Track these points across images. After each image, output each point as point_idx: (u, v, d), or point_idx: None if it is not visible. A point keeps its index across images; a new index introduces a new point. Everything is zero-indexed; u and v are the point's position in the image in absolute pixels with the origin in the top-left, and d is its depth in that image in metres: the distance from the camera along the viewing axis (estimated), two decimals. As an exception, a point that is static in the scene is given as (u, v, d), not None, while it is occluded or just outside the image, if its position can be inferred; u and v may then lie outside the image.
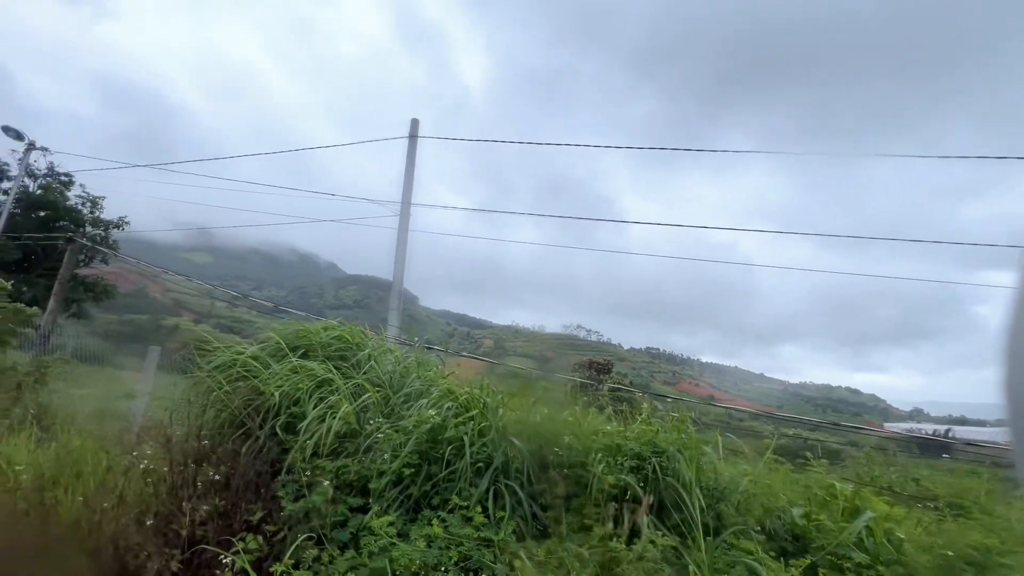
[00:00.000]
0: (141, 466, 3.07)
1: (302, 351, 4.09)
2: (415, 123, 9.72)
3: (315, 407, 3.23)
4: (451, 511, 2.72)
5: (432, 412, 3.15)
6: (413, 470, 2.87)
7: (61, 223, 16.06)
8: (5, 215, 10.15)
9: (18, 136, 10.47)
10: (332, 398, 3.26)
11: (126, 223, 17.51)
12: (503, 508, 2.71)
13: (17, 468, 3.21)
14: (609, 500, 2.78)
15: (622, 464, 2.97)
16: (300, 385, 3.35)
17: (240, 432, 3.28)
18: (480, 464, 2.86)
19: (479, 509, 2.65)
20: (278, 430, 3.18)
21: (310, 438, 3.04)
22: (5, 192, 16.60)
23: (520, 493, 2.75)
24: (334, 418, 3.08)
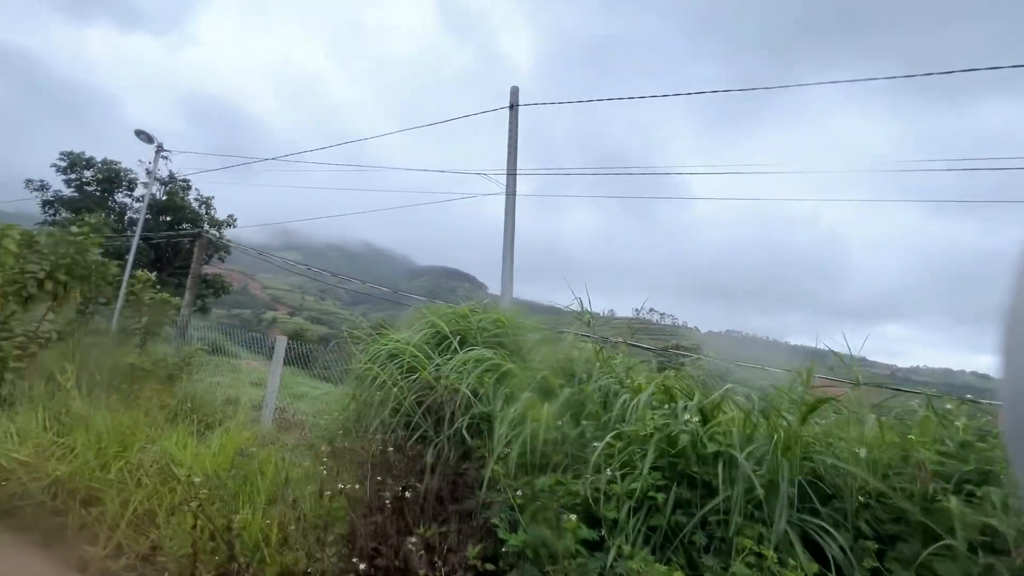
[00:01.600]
0: (321, 476, 2.63)
1: (459, 337, 3.51)
2: (515, 91, 8.98)
3: (502, 405, 2.59)
4: (717, 551, 1.95)
5: (661, 416, 2.38)
6: (661, 494, 2.12)
7: (183, 224, 17.64)
8: (142, 217, 11.04)
9: (149, 139, 11.31)
10: (524, 395, 2.60)
11: (235, 221, 18.87)
12: (813, 555, 1.88)
13: (187, 472, 2.92)
14: (971, 548, 1.85)
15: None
16: (484, 379, 2.73)
17: (415, 436, 2.73)
18: (755, 490, 2.05)
19: (772, 556, 1.86)
20: (465, 434, 2.58)
21: (507, 445, 2.40)
22: (136, 199, 18.66)
23: (837, 536, 1.90)
24: (534, 421, 2.41)
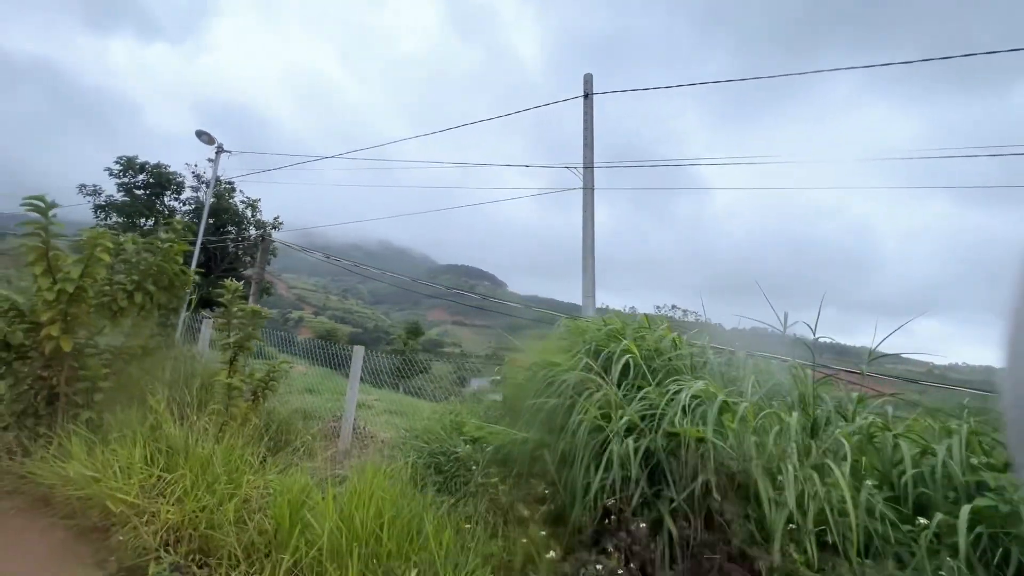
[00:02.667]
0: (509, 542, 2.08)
1: (624, 361, 2.93)
2: (588, 79, 8.36)
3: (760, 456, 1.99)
4: None
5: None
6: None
7: (228, 227, 17.61)
8: (204, 220, 10.85)
9: (209, 140, 11.09)
10: (788, 443, 2.00)
11: (281, 224, 18.76)
12: None
13: (334, 526, 2.41)
14: None
15: None
16: (727, 422, 2.14)
17: (625, 495, 2.16)
18: None
19: None
20: (716, 498, 1.99)
21: (792, 514, 1.80)
22: (183, 202, 18.72)
23: None
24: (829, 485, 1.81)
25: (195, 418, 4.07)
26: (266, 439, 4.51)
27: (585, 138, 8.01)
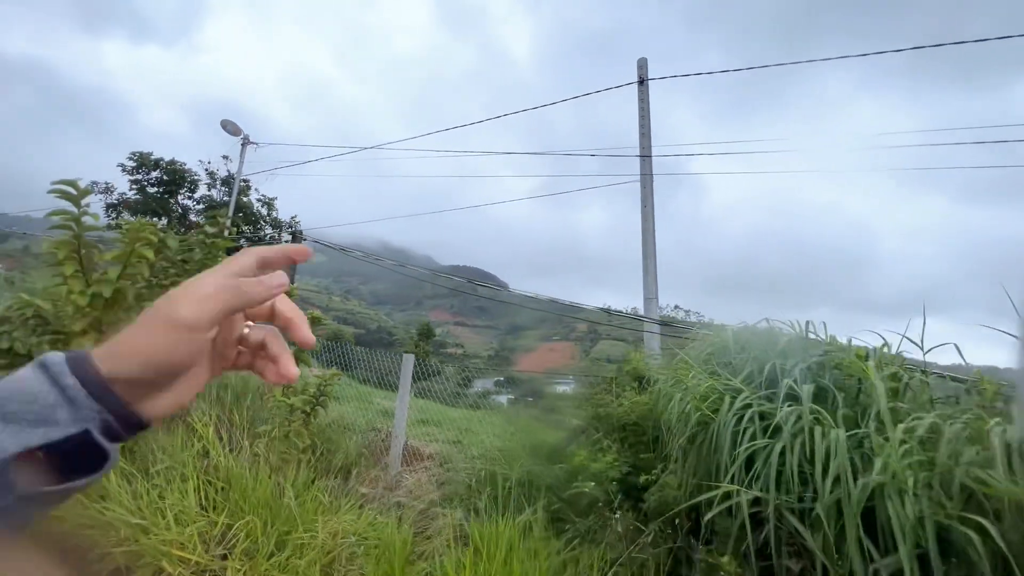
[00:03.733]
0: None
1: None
2: (643, 64, 7.75)
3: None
4: None
5: None
6: None
7: (244, 226, 16.98)
8: (231, 211, 10.27)
9: (235, 130, 10.53)
10: None
11: (298, 224, 18.08)
12: None
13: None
14: None
15: None
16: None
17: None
18: None
19: None
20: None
21: None
22: (196, 200, 18.09)
23: None
24: None
25: (246, 443, 3.47)
26: (313, 460, 3.91)
27: (641, 126, 7.41)
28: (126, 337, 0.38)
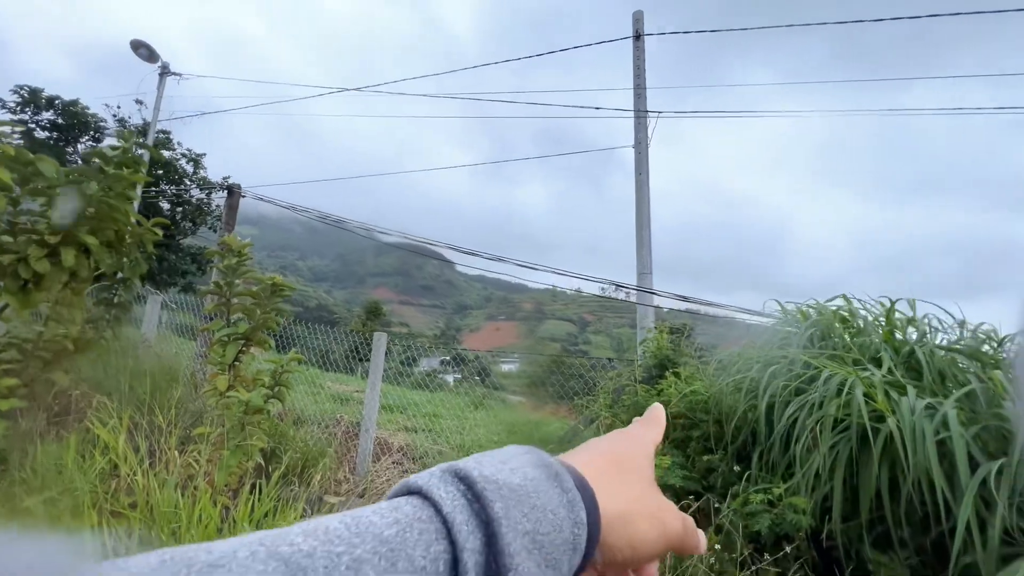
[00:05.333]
0: None
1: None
2: (638, 18, 7.08)
3: None
4: None
5: None
6: None
7: (167, 186, 14.32)
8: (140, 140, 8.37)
9: (150, 55, 8.37)
10: None
11: (235, 185, 15.60)
12: None
13: None
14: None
15: None
16: None
17: None
18: None
19: None
20: None
21: None
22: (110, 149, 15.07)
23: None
24: None
25: (175, 454, 2.53)
26: (272, 470, 3.04)
27: (636, 85, 6.78)
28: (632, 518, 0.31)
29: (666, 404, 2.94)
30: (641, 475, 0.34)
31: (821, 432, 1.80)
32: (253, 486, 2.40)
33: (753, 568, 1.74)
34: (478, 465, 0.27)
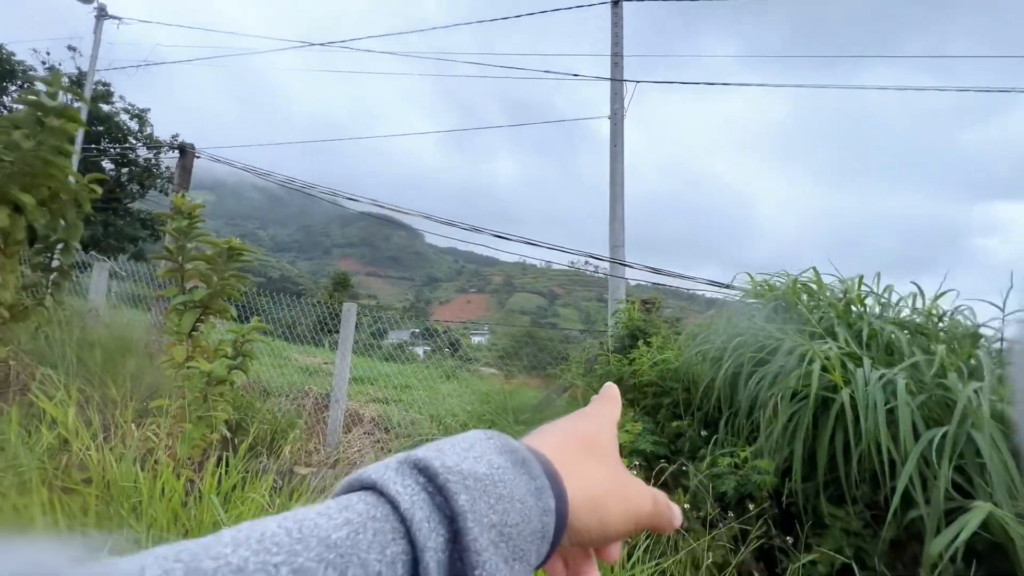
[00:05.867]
0: None
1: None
2: (616, -19, 6.89)
3: None
4: None
5: None
6: None
7: (109, 144, 13.03)
8: (85, 113, 7.53)
9: None
10: None
11: (190, 147, 14.40)
12: None
13: None
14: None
15: None
16: None
17: None
18: None
19: None
20: None
21: None
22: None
23: None
24: None
25: (131, 427, 2.40)
26: (239, 442, 2.95)
27: (614, 54, 6.65)
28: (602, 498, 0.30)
29: (637, 373, 3.01)
30: (608, 456, 0.33)
31: (781, 401, 1.88)
32: (220, 459, 2.31)
33: (720, 526, 1.83)
34: (439, 454, 0.25)
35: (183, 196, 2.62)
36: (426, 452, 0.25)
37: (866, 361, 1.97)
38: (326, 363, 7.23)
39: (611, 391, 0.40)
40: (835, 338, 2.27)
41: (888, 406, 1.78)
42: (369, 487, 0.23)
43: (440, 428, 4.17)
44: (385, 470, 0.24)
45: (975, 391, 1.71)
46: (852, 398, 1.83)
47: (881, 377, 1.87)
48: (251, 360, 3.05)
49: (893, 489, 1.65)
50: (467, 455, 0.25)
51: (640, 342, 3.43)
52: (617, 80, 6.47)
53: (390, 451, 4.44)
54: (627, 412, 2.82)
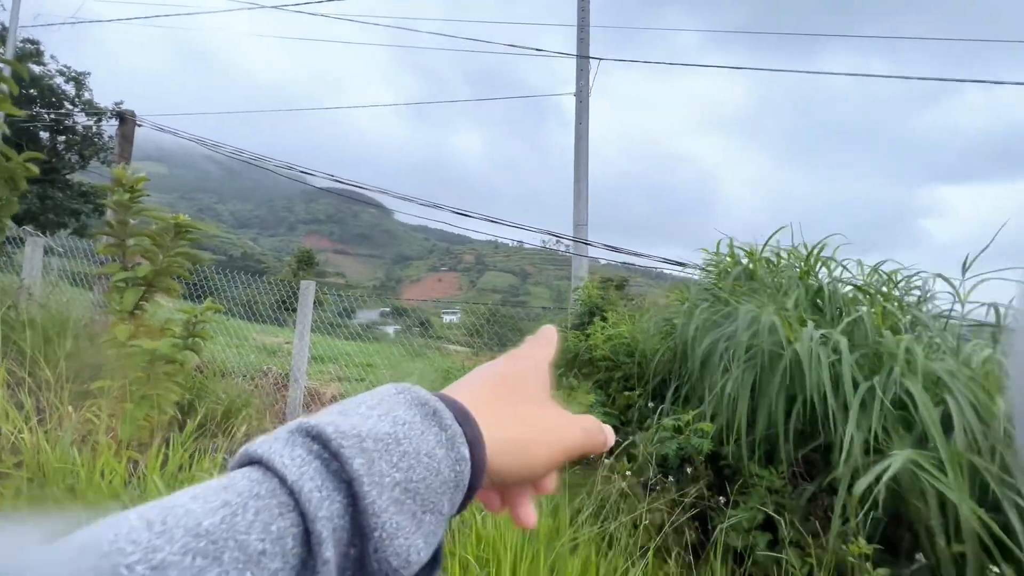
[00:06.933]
0: None
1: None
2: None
3: None
4: None
5: None
6: None
7: (43, 109, 11.86)
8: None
9: None
10: None
11: (130, 114, 13.35)
12: None
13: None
14: None
15: None
16: None
17: None
18: None
19: None
20: None
21: None
22: None
23: None
24: None
25: (69, 409, 2.31)
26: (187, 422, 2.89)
27: (580, 28, 6.56)
28: (524, 434, 0.31)
29: (593, 348, 3.09)
30: (534, 395, 0.33)
31: (734, 358, 1.98)
32: (167, 440, 2.26)
33: (658, 489, 1.93)
34: (338, 417, 0.24)
35: (124, 167, 2.46)
36: (321, 418, 0.24)
37: (810, 322, 2.08)
38: (287, 343, 7.07)
39: (547, 332, 0.40)
40: (790, 300, 2.39)
41: (830, 359, 1.90)
42: (256, 461, 0.22)
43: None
44: (273, 442, 0.23)
45: (906, 347, 1.84)
46: (796, 352, 1.94)
47: (823, 336, 1.99)
48: (205, 340, 2.96)
49: (819, 447, 1.79)
50: (371, 413, 0.25)
51: (596, 318, 3.52)
52: (583, 56, 6.40)
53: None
54: (582, 386, 2.91)
